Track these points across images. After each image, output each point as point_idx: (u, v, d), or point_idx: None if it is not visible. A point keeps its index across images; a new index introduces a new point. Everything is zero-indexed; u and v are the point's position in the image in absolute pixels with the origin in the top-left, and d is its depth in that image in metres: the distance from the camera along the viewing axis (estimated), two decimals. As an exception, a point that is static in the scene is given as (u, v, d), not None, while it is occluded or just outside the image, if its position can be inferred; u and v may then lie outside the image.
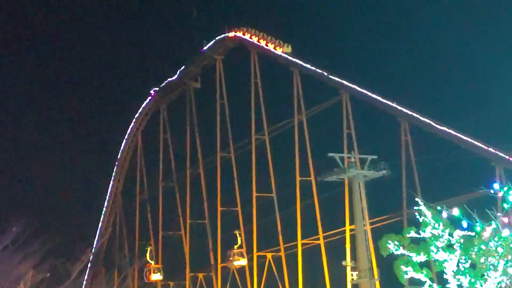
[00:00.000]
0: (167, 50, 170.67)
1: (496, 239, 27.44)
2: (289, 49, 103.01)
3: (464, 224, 23.64)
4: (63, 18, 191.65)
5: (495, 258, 27.98)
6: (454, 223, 28.15)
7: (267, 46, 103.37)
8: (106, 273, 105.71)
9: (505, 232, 26.19)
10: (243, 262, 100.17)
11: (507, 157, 75.25)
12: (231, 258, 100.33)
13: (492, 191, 23.42)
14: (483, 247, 28.11)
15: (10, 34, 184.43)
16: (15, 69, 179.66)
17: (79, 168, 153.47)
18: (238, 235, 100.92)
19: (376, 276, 79.07)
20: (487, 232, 24.83)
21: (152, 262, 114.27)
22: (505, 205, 22.03)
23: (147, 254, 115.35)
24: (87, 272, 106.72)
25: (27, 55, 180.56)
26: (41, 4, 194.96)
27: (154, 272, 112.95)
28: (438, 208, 29.67)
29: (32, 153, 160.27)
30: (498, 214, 24.24)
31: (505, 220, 24.16)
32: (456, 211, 23.82)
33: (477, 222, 23.76)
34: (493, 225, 24.16)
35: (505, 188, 21.58)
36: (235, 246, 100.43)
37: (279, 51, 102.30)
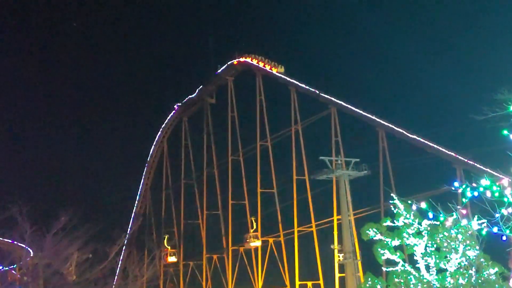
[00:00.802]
0: (189, 72, 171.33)
1: (456, 227, 27.39)
2: (282, 69, 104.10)
3: (430, 215, 23.45)
4: (113, 39, 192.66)
5: (455, 243, 27.87)
6: (422, 214, 28.03)
7: (265, 67, 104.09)
8: (138, 254, 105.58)
9: (464, 222, 26.07)
10: (258, 243, 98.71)
11: (465, 160, 75.03)
12: (248, 240, 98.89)
13: (453, 188, 23.25)
14: (446, 234, 28.04)
15: (68, 47, 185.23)
16: (65, 79, 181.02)
17: (117, 168, 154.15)
18: (253, 221, 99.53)
19: (358, 257, 78.99)
20: (449, 221, 24.67)
21: (169, 247, 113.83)
22: (464, 200, 21.85)
23: (165, 241, 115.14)
24: (122, 253, 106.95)
25: (82, 66, 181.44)
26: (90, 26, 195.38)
27: (170, 255, 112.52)
28: (409, 202, 29.60)
29: (80, 156, 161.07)
30: (458, 207, 24.06)
31: (464, 212, 24.00)
32: (423, 204, 23.66)
33: (441, 213, 23.56)
34: (454, 216, 24.00)
35: (464, 186, 21.44)
36: (251, 230, 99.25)
37: (274, 71, 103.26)
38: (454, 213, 23.97)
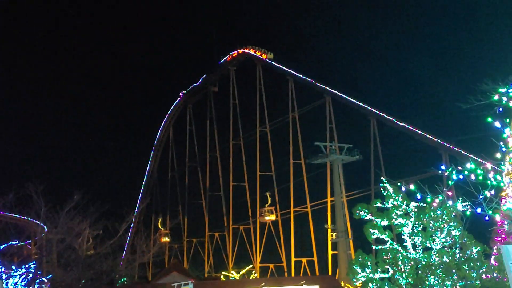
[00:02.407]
0: (193, 62, 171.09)
1: (441, 208, 27.39)
2: (271, 56, 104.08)
3: (418, 196, 23.46)
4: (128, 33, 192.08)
5: (440, 222, 27.88)
6: (410, 196, 28.00)
7: (262, 56, 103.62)
8: (145, 231, 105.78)
9: (450, 203, 26.07)
10: (273, 217, 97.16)
11: (450, 146, 75.04)
12: (263, 214, 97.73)
13: (439, 172, 23.27)
14: (432, 214, 28.04)
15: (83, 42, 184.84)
16: (77, 65, 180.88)
17: (126, 151, 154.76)
18: (268, 196, 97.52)
19: (350, 236, 79.15)
20: (436, 203, 24.68)
21: (163, 229, 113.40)
22: (450, 182, 21.88)
23: (159, 223, 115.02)
24: (130, 230, 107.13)
25: (93, 56, 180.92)
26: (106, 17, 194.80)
27: (164, 236, 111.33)
28: (398, 184, 29.54)
29: (92, 138, 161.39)
30: (444, 189, 24.07)
31: (450, 193, 24.02)
32: (412, 186, 23.65)
33: (428, 195, 23.56)
34: (440, 197, 24.02)
35: (450, 169, 21.45)
36: (266, 205, 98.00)
37: (264, 57, 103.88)
38: (440, 195, 23.98)
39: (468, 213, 22.86)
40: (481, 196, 20.94)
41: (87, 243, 55.73)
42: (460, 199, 25.18)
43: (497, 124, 21.61)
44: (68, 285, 55.61)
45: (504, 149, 22.23)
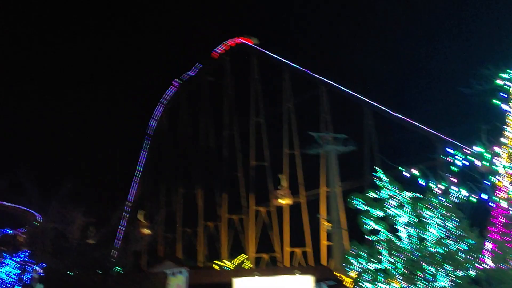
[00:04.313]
0: (188, 51, 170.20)
1: (436, 199, 27.16)
2: (256, 40, 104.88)
3: (422, 182, 23.19)
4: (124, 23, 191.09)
5: (435, 213, 27.71)
6: (409, 184, 27.84)
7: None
8: (138, 219, 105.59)
9: (454, 189, 25.67)
10: (288, 201, 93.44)
11: (445, 137, 75.02)
12: (277, 197, 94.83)
13: (443, 157, 23.03)
14: (427, 205, 27.82)
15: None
16: (68, 46, 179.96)
17: (119, 140, 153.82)
18: (282, 178, 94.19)
19: (344, 227, 79.13)
20: (439, 188, 24.37)
21: (143, 221, 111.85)
22: (454, 168, 21.65)
23: (139, 215, 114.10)
24: (124, 218, 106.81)
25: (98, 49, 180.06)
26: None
27: (144, 228, 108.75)
28: (400, 168, 29.10)
29: (84, 124, 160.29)
30: (447, 174, 23.83)
31: (454, 180, 23.76)
32: (415, 171, 23.43)
33: (431, 181, 23.34)
34: (434, 186, 23.82)
35: (454, 154, 21.20)
36: (279, 188, 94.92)
37: (250, 42, 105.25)
38: (442, 182, 23.69)
39: (474, 199, 22.60)
40: (487, 182, 20.70)
41: (80, 231, 55.53)
42: (463, 185, 24.91)
43: (505, 106, 21.35)
44: (61, 273, 55.45)
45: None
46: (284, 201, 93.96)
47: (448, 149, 26.04)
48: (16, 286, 47.94)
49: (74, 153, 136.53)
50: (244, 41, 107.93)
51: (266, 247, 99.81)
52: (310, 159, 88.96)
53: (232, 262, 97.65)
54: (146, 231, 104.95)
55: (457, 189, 25.51)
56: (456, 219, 27.45)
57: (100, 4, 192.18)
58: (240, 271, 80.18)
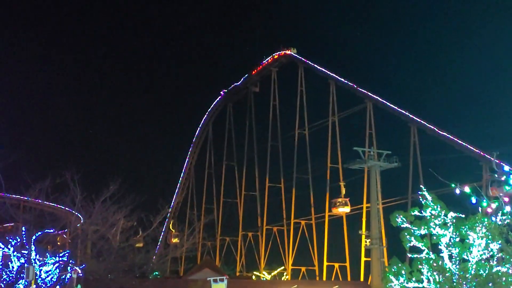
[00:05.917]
0: (235, 62, 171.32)
1: (481, 221, 26.49)
2: (295, 51, 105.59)
3: (473, 200, 22.49)
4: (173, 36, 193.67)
5: (478, 235, 27.05)
6: (452, 204, 27.22)
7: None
8: (179, 225, 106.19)
9: (507, 209, 24.92)
10: (346, 209, 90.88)
11: (491, 158, 73.43)
12: (336, 205, 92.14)
13: (496, 175, 22.34)
14: (471, 226, 27.18)
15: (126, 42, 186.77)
16: (119, 60, 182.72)
17: (165, 147, 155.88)
18: (342, 186, 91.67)
19: (384, 244, 78.06)
20: (491, 208, 23.65)
21: (173, 230, 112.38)
22: (508, 187, 21.00)
23: (170, 225, 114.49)
24: (165, 223, 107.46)
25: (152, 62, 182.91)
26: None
27: (174, 237, 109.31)
28: (452, 185, 28.28)
29: (132, 131, 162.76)
30: (501, 194, 23.10)
31: (506, 199, 23.00)
32: (466, 189, 22.77)
33: (484, 199, 22.67)
34: (485, 205, 23.14)
35: (509, 173, 20.56)
36: (339, 196, 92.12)
37: (288, 52, 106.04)
38: (495, 201, 22.95)
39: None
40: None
41: (121, 234, 55.86)
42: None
43: None
44: (100, 275, 55.85)
45: None
46: (343, 209, 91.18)
47: (501, 168, 25.34)
48: (55, 285, 48.37)
49: (120, 157, 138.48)
50: (291, 53, 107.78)
51: (304, 260, 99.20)
52: (353, 174, 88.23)
53: (269, 273, 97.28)
54: (175, 240, 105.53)
55: (510, 209, 24.77)
56: (499, 242, 26.78)
57: (163, 17, 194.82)
58: (277, 283, 79.77)
